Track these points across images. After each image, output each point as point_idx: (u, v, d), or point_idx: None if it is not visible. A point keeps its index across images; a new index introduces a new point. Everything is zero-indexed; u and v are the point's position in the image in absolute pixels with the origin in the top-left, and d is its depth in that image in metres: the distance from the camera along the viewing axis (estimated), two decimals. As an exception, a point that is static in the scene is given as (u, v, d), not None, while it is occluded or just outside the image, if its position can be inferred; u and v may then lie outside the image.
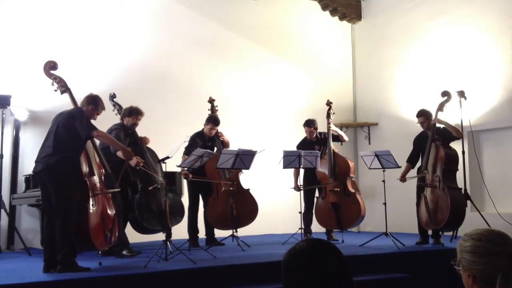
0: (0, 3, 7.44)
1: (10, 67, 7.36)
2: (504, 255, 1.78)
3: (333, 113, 7.65)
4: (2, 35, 7.40)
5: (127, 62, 8.11)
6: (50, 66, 5.39)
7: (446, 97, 6.92)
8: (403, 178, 6.91)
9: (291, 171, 7.34)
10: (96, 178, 5.25)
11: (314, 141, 7.49)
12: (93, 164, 5.24)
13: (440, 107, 6.88)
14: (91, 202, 5.07)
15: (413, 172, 7.00)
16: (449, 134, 6.71)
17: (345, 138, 7.64)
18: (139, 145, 6.41)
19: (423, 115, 6.90)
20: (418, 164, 6.98)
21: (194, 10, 8.91)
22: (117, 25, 8.23)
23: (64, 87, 5.35)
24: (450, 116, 7.89)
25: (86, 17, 7.98)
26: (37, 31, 7.58)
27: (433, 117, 6.82)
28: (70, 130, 5.01)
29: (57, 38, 7.63)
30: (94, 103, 5.27)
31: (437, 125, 6.82)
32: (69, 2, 7.88)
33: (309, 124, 7.46)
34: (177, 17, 8.78)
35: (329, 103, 7.66)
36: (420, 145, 6.96)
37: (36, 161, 5.08)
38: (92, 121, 5.19)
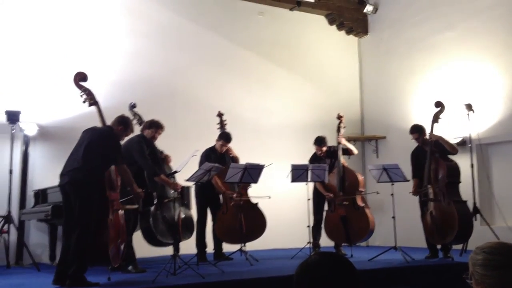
0: (7, 20, 7.52)
1: (19, 83, 7.42)
2: (517, 268, 1.77)
3: (344, 127, 7.63)
4: (11, 51, 7.48)
5: (136, 77, 8.17)
6: (81, 78, 5.38)
7: (439, 108, 6.86)
8: (416, 192, 6.84)
9: (299, 185, 7.31)
10: (116, 193, 5.27)
11: (325, 156, 7.49)
12: (113, 179, 5.26)
13: (435, 119, 6.81)
14: (110, 217, 5.08)
15: (407, 186, 6.96)
16: (443, 147, 6.69)
17: (355, 151, 7.63)
18: (157, 158, 6.41)
19: (417, 131, 6.85)
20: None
21: (201, 26, 8.98)
22: (126, 42, 8.30)
23: (92, 100, 5.35)
24: (458, 129, 7.90)
25: (94, 33, 8.06)
26: (45, 47, 7.65)
27: (429, 129, 6.77)
28: (102, 148, 5.07)
29: (65, 54, 7.71)
30: (124, 124, 5.36)
31: None
32: (76, 18, 7.96)
33: (320, 143, 7.44)
34: (185, 32, 8.85)
35: (339, 117, 7.61)
36: (419, 159, 6.89)
37: (61, 174, 5.07)
38: None
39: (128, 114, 6.52)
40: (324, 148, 7.44)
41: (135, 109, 6.70)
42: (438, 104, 6.89)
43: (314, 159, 7.53)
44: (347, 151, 7.52)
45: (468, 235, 6.51)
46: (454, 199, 6.47)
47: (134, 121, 6.61)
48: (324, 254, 1.70)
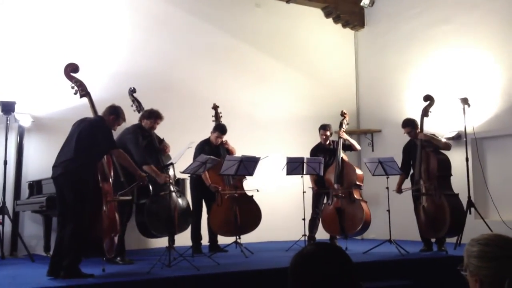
0: (3, 10, 7.48)
1: (15, 74, 7.38)
2: (512, 260, 1.78)
3: (347, 124, 7.65)
4: (6, 42, 7.43)
5: (131, 69, 8.12)
6: (72, 69, 5.34)
7: (429, 101, 6.92)
8: (399, 190, 6.90)
9: (295, 177, 7.34)
10: (109, 185, 5.26)
11: (327, 148, 7.49)
12: (105, 170, 5.24)
13: (425, 113, 6.87)
14: (104, 208, 5.07)
15: (407, 182, 7.01)
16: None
17: (357, 147, 7.67)
18: (155, 149, 6.37)
19: (409, 125, 6.90)
20: (411, 172, 6.97)
21: (197, 17, 8.94)
22: (121, 33, 8.25)
23: (84, 91, 5.33)
24: (454, 123, 7.91)
25: (89, 25, 8.01)
26: (41, 38, 7.61)
27: (420, 124, 6.81)
28: (94, 138, 5.04)
29: (61, 44, 7.66)
30: (115, 113, 5.32)
31: (424, 131, 6.83)
32: (73, 8, 7.91)
33: (325, 127, 7.50)
34: (181, 24, 8.80)
35: (343, 114, 7.67)
36: (410, 153, 6.93)
37: (54, 166, 5.05)
38: None
39: (127, 99, 6.51)
40: (328, 133, 7.46)
41: (135, 94, 6.65)
42: (427, 98, 6.94)
43: (317, 149, 7.53)
44: (349, 147, 7.54)
45: (460, 228, 6.56)
46: (445, 192, 6.51)
47: (133, 108, 6.58)
48: (319, 244, 1.70)
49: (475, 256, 1.83)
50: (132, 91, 6.67)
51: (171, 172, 6.45)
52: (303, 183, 7.24)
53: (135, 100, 6.61)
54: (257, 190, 7.05)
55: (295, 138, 9.14)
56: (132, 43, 8.31)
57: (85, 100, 5.39)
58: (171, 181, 6.03)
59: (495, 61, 7.81)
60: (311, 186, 7.40)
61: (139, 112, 6.55)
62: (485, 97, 7.82)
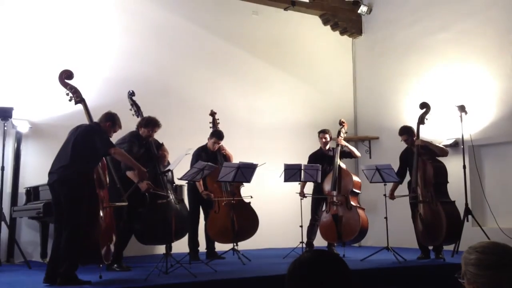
0: (1, 18, 7.48)
1: (12, 80, 7.38)
2: (509, 268, 1.78)
3: (345, 132, 7.65)
4: (4, 47, 7.43)
5: (129, 75, 8.11)
6: (66, 76, 5.33)
7: (425, 109, 6.94)
8: (392, 196, 6.90)
9: (293, 184, 7.33)
10: (105, 191, 5.24)
11: (326, 154, 7.49)
12: (101, 177, 5.23)
13: (421, 120, 6.89)
14: (101, 214, 5.06)
15: (401, 188, 7.01)
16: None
17: (357, 154, 7.63)
18: (152, 157, 6.34)
19: (406, 132, 6.92)
20: (407, 178, 6.98)
21: (196, 24, 8.96)
22: (119, 39, 8.26)
23: (79, 98, 5.32)
24: (451, 130, 7.93)
25: (88, 31, 8.02)
26: (39, 44, 7.61)
27: (416, 132, 6.83)
28: (89, 143, 5.02)
29: (59, 51, 7.67)
30: (112, 120, 5.31)
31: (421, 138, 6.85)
32: (70, 15, 7.92)
33: (325, 130, 7.55)
34: (179, 31, 8.82)
35: (341, 123, 7.66)
36: (407, 160, 6.94)
37: (50, 172, 5.04)
38: None
39: (125, 107, 6.50)
40: (328, 136, 7.48)
41: (134, 98, 6.64)
42: (423, 105, 6.97)
43: (315, 156, 7.53)
44: (349, 154, 7.52)
45: (457, 235, 6.56)
46: (442, 199, 6.52)
47: (132, 111, 6.56)
48: (316, 251, 1.71)
49: (473, 264, 1.83)
50: (131, 94, 6.66)
51: (169, 178, 6.44)
52: (310, 186, 7.23)
53: (134, 104, 6.58)
54: (251, 197, 7.03)
55: (292, 145, 9.14)
56: (130, 49, 8.32)
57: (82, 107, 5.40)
58: (151, 189, 5.92)
59: (492, 68, 7.84)
60: (298, 191, 7.34)
61: (137, 117, 6.53)
62: (482, 104, 7.84)
